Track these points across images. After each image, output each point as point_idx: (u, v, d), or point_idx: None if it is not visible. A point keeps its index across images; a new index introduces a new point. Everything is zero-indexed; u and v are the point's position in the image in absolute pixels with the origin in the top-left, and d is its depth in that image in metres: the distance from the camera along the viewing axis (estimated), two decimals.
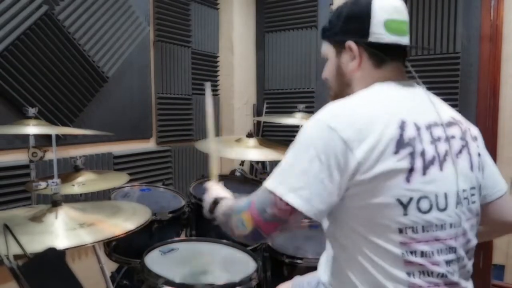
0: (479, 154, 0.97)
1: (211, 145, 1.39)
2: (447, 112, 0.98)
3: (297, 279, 1.23)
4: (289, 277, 1.32)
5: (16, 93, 1.95)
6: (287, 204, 0.85)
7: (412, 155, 0.84)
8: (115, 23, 2.40)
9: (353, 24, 0.97)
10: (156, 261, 1.42)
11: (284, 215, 0.86)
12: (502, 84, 2.47)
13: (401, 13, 0.96)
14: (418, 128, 0.87)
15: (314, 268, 1.20)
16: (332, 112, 0.88)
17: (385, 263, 0.85)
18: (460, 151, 0.92)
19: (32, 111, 1.61)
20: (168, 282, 1.25)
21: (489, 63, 2.48)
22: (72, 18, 2.15)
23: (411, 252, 0.84)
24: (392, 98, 0.93)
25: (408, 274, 0.85)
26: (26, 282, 0.85)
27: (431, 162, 0.86)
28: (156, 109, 2.78)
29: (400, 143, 0.84)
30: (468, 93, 2.55)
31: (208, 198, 1.14)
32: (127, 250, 1.73)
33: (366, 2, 0.96)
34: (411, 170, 0.84)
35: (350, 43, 0.97)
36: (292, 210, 0.85)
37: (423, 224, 0.84)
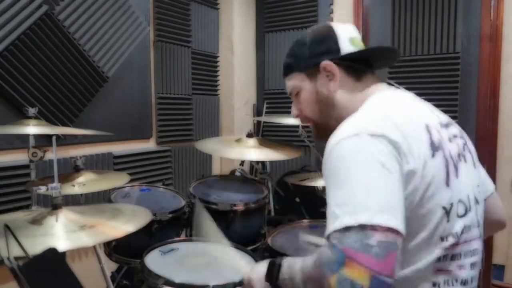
0: (475, 152, 0.98)
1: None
2: (440, 112, 0.98)
3: None
4: None
5: (16, 93, 1.95)
6: (383, 226, 0.67)
7: (445, 157, 0.83)
8: (115, 23, 2.40)
9: (322, 46, 0.99)
10: (156, 261, 1.42)
11: (392, 237, 0.67)
12: (502, 84, 2.47)
13: (357, 34, 1.02)
14: (438, 131, 0.86)
15: None
16: (365, 123, 0.81)
17: (416, 274, 0.80)
18: (464, 149, 0.92)
19: (32, 111, 1.61)
20: (168, 282, 1.25)
21: (489, 63, 2.48)
22: (72, 18, 2.15)
23: (444, 257, 0.81)
24: (405, 103, 0.92)
25: (434, 284, 0.81)
26: (26, 282, 0.85)
27: (458, 162, 0.86)
28: (156, 109, 2.78)
29: (433, 146, 0.82)
30: (468, 93, 2.55)
31: (257, 270, 0.96)
32: (127, 250, 1.73)
33: (327, 26, 1.01)
34: (448, 173, 0.82)
35: (325, 63, 0.96)
36: (394, 231, 0.68)
37: (461, 229, 0.82)
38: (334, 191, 0.75)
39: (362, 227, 0.67)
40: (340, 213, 0.70)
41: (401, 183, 0.75)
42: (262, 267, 0.94)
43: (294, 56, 1.05)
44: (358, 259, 0.65)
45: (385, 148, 0.75)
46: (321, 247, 0.73)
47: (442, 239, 0.81)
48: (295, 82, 1.03)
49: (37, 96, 2.04)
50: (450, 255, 0.82)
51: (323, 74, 0.98)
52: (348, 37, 0.99)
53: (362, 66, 0.98)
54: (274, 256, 1.57)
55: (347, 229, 0.68)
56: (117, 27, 2.41)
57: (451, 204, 0.81)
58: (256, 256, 1.49)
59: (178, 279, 1.26)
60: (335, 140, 0.79)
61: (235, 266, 1.29)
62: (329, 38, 0.99)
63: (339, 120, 0.88)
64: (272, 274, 0.88)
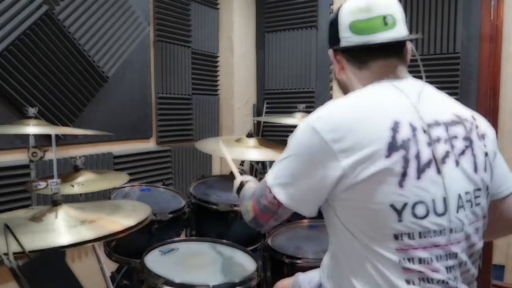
0: (486, 154, 0.93)
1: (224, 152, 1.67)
2: (452, 109, 0.94)
3: (299, 276, 1.22)
4: (289, 277, 1.32)
5: (16, 93, 1.95)
6: (274, 197, 0.93)
7: (405, 158, 0.81)
8: (115, 23, 2.40)
9: (330, 33, 1.04)
10: (156, 261, 1.42)
11: (273, 207, 0.95)
12: (502, 84, 2.47)
13: (367, 11, 0.94)
14: (414, 129, 0.84)
15: (314, 268, 1.20)
16: (319, 114, 0.90)
17: (385, 269, 0.83)
18: (463, 152, 0.88)
19: (32, 111, 1.61)
20: (168, 282, 1.25)
21: (489, 63, 2.48)
22: (72, 18, 2.15)
23: (409, 259, 0.82)
24: (386, 98, 0.90)
25: (407, 281, 0.82)
26: (26, 282, 0.85)
27: (427, 165, 0.83)
28: (156, 109, 2.78)
29: (392, 146, 0.81)
30: (468, 93, 2.55)
31: (236, 181, 1.32)
32: (127, 250, 1.73)
33: (337, 10, 1.01)
34: (404, 174, 0.81)
35: (329, 52, 1.04)
36: (279, 203, 0.93)
37: (420, 230, 0.81)
38: (282, 153, 0.96)
39: (266, 187, 0.95)
40: (271, 170, 0.98)
41: (313, 176, 0.87)
42: (239, 181, 1.32)
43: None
44: (254, 205, 1.01)
45: (315, 144, 0.86)
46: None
47: (396, 237, 0.82)
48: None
49: (37, 96, 2.04)
50: (416, 258, 0.82)
51: (333, 60, 1.05)
52: (349, 22, 0.96)
53: (362, 56, 0.97)
54: (274, 256, 1.58)
55: (264, 181, 0.98)
56: (117, 27, 2.41)
57: (404, 204, 0.81)
58: (256, 256, 1.50)
59: (178, 279, 1.26)
60: (303, 120, 0.93)
61: (235, 266, 1.29)
62: (333, 26, 1.00)
63: None
64: (238, 190, 1.30)
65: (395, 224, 0.81)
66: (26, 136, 1.63)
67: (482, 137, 0.94)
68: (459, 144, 0.89)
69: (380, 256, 0.83)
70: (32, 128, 1.52)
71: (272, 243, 1.66)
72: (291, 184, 0.91)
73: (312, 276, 1.16)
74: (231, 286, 1.27)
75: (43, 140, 1.84)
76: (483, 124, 0.97)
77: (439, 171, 0.84)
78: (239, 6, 3.31)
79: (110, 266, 1.85)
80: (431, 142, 0.85)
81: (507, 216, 1.01)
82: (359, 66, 0.98)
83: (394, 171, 0.81)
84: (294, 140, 0.93)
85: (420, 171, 0.82)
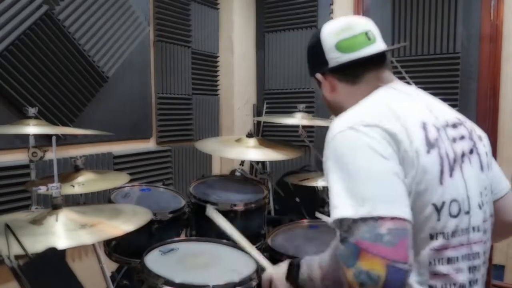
0: (486, 154, 0.95)
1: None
2: (451, 112, 0.97)
3: None
4: None
5: (16, 93, 1.95)
6: (392, 217, 0.68)
7: (440, 155, 0.82)
8: (115, 23, 2.40)
9: (313, 58, 1.05)
10: (156, 261, 1.42)
11: (400, 224, 0.68)
12: (502, 84, 2.47)
13: (350, 30, 0.99)
14: (438, 129, 0.86)
15: None
16: (360, 115, 0.84)
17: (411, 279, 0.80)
18: (471, 152, 0.90)
19: (32, 111, 1.61)
20: (168, 282, 1.25)
21: (489, 63, 2.48)
22: (72, 18, 2.15)
23: (439, 260, 0.81)
24: (405, 100, 0.91)
25: (431, 287, 0.81)
26: (27, 281, 0.85)
27: (454, 163, 0.84)
28: (156, 109, 2.78)
29: (429, 143, 0.82)
30: (468, 93, 2.55)
31: (277, 271, 1.02)
32: (127, 250, 1.73)
33: (316, 34, 1.03)
34: (442, 172, 0.81)
35: (317, 76, 1.04)
36: (402, 220, 0.69)
37: (453, 229, 0.82)
38: (336, 185, 0.76)
39: (366, 219, 0.68)
40: (341, 205, 0.72)
41: (400, 169, 0.77)
42: (282, 268, 1.00)
43: (307, 63, 1.11)
44: (372, 250, 0.65)
45: (379, 137, 0.78)
46: (334, 242, 0.75)
47: (431, 237, 0.81)
48: (315, 83, 1.10)
49: (37, 96, 2.04)
50: (446, 258, 0.82)
51: (322, 83, 1.05)
52: (334, 43, 0.99)
53: (355, 71, 0.99)
54: (274, 256, 1.58)
55: (354, 221, 0.69)
56: (117, 27, 2.41)
57: (443, 203, 0.81)
58: None
59: (178, 279, 1.26)
60: (332, 134, 0.83)
61: (235, 266, 1.29)
62: (317, 51, 1.02)
63: None
64: (292, 274, 0.93)
65: (435, 223, 0.80)
66: (26, 136, 1.63)
67: (479, 138, 0.97)
68: (467, 144, 0.91)
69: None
70: (32, 128, 1.52)
71: (272, 243, 1.66)
72: (390, 193, 0.73)
73: None
74: (231, 286, 1.27)
75: (43, 140, 1.84)
76: (477, 128, 1.00)
77: (461, 170, 0.85)
78: (239, 6, 3.31)
79: (110, 266, 1.85)
80: (450, 142, 0.87)
81: (501, 218, 1.01)
82: (353, 82, 0.99)
83: (435, 168, 0.81)
84: (353, 146, 0.78)
85: (451, 169, 0.83)
